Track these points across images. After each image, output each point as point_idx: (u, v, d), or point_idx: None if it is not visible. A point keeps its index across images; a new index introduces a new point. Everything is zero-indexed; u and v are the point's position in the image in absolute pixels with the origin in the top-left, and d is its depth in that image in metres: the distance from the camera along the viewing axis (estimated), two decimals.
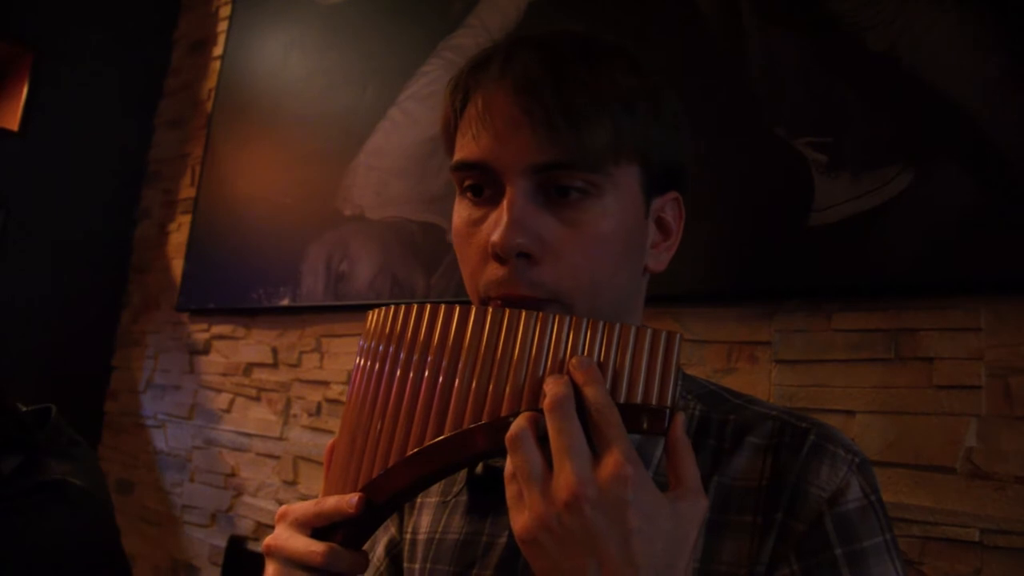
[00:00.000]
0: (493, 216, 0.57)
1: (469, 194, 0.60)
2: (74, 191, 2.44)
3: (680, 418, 0.49)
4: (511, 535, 0.61)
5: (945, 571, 0.96)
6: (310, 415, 1.86)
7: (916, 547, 0.99)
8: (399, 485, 0.53)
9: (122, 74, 2.58)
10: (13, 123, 2.32)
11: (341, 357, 1.83)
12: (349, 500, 0.54)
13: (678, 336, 0.50)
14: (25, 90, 2.33)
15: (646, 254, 0.62)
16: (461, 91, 0.61)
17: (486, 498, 0.66)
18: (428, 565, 0.66)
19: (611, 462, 0.45)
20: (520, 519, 0.47)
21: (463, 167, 0.59)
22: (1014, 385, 0.96)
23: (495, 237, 0.55)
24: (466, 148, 0.59)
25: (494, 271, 0.57)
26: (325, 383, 1.84)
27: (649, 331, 0.50)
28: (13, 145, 2.31)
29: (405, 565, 0.70)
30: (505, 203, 0.56)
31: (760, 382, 1.15)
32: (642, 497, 0.45)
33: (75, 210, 2.45)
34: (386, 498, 0.54)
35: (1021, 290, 0.97)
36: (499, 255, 0.56)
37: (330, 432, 1.80)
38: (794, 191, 1.14)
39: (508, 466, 0.48)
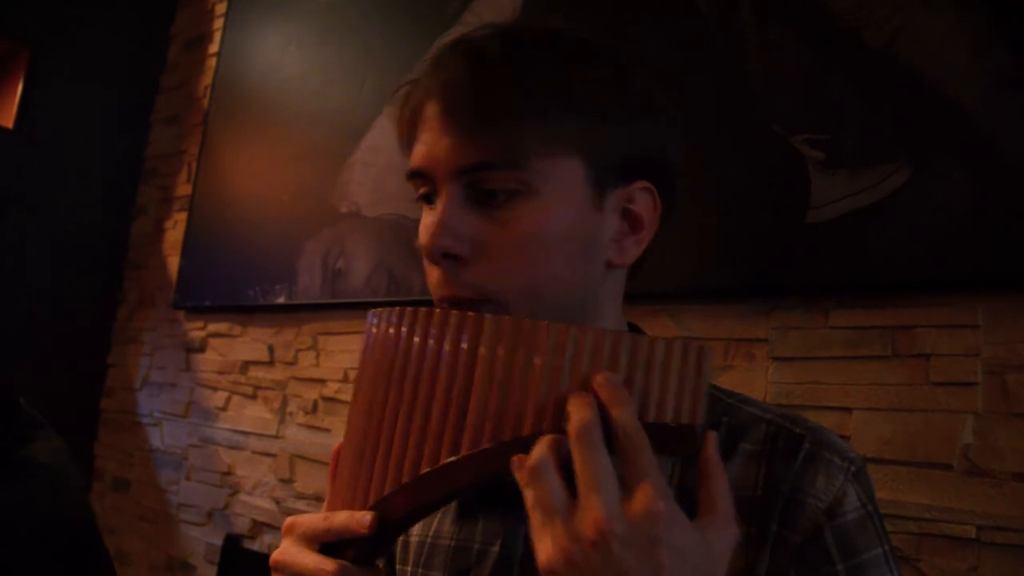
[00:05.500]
0: None
1: (424, 201, 0.61)
2: (70, 188, 2.43)
3: (713, 438, 0.47)
4: (504, 544, 0.60)
5: (942, 568, 0.96)
6: (306, 413, 1.85)
7: (913, 544, 0.99)
8: (413, 504, 0.50)
9: (118, 71, 2.57)
10: (8, 120, 2.31)
11: (337, 355, 1.82)
12: (361, 519, 0.51)
13: (708, 350, 0.47)
14: (20, 87, 2.32)
15: (604, 248, 0.60)
16: (404, 101, 0.62)
17: (476, 503, 0.65)
18: (420, 570, 0.65)
19: (642, 498, 0.43)
20: (543, 551, 0.45)
21: (410, 176, 0.61)
22: (1011, 382, 0.96)
23: (421, 240, 0.57)
24: (411, 157, 0.61)
25: (432, 274, 0.58)
26: (322, 381, 1.84)
27: (678, 345, 0.47)
28: (8, 142, 2.30)
29: (397, 567, 0.69)
30: (437, 207, 0.58)
31: (757, 379, 1.15)
32: (674, 533, 0.43)
33: (71, 207, 2.44)
34: (399, 517, 0.51)
35: (1018, 287, 0.97)
36: (427, 257, 0.57)
37: (326, 430, 1.80)
38: (791, 188, 1.14)
39: (529, 497, 0.46)
